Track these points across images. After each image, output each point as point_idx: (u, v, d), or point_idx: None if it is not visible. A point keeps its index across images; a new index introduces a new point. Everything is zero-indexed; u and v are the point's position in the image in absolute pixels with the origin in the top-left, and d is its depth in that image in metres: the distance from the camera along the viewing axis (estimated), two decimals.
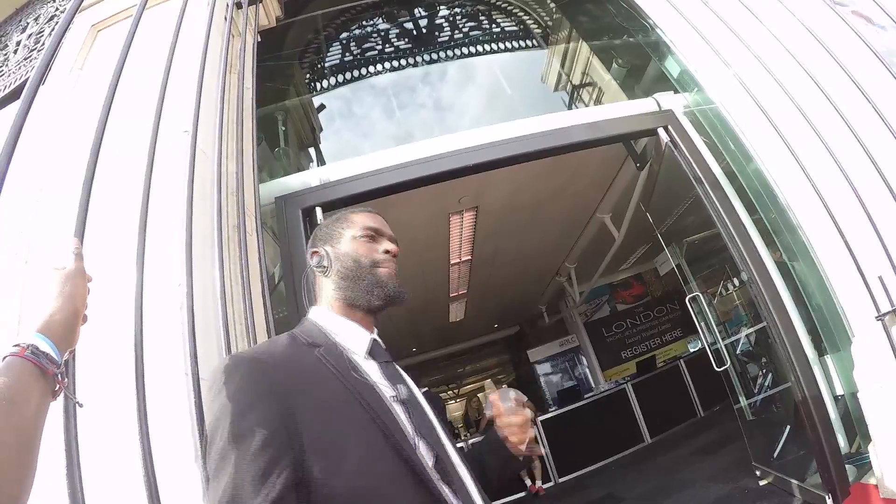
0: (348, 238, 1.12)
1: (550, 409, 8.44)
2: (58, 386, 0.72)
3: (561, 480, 7.32)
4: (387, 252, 1.12)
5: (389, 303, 1.08)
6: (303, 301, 1.18)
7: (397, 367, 1.11)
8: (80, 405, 0.84)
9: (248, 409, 0.81)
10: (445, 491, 0.87)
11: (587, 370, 11.77)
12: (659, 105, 3.48)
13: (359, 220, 1.16)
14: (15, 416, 0.62)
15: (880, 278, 2.32)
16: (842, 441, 2.74)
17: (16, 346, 0.69)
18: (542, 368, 11.98)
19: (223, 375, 0.86)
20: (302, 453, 0.80)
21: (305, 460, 0.80)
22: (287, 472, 0.77)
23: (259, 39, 3.21)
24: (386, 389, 0.97)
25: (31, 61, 2.87)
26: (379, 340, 1.10)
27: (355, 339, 1.04)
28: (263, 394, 0.83)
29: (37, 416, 0.67)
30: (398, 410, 0.94)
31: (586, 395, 8.64)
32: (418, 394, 1.07)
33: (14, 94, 2.76)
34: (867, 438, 2.50)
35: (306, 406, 0.84)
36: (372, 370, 1.00)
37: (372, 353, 1.05)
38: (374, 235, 1.13)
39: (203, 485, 1.38)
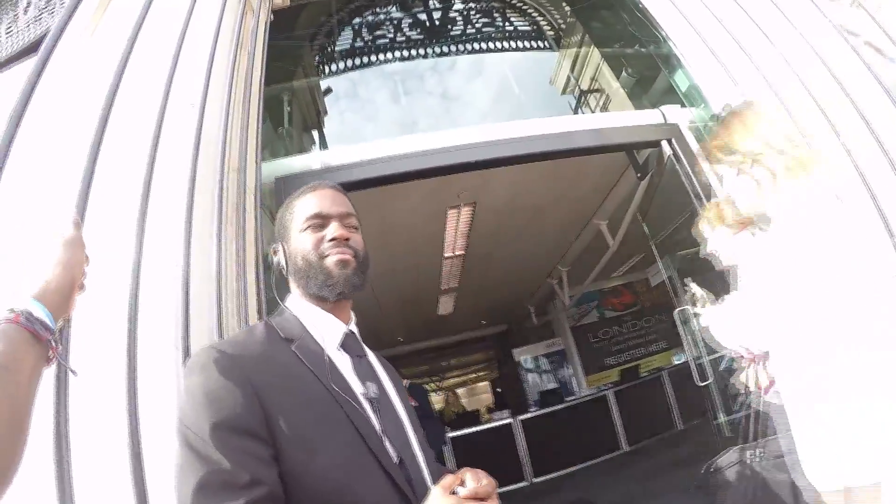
0: (295, 232, 1.07)
1: (531, 410, 8.48)
2: (51, 353, 0.72)
3: (536, 481, 7.37)
4: (333, 239, 1.05)
5: (343, 296, 1.04)
6: (274, 294, 1.15)
7: (374, 360, 1.10)
8: (74, 373, 0.84)
9: (225, 400, 0.81)
10: (409, 493, 0.87)
11: (570, 374, 11.81)
12: (665, 117, 3.49)
13: (300, 210, 1.08)
14: (8, 382, 0.63)
15: None
16: None
17: (10, 311, 0.69)
18: (526, 368, 12.02)
19: (200, 365, 0.85)
20: (277, 446, 0.80)
21: (280, 453, 0.80)
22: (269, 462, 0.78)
23: (272, 18, 3.18)
24: (355, 386, 0.96)
25: (40, 22, 2.83)
26: (355, 332, 1.08)
27: (329, 331, 1.02)
28: (241, 386, 0.83)
29: (30, 382, 0.67)
30: (366, 408, 0.93)
31: (567, 399, 8.67)
32: (392, 392, 1.06)
33: (23, 53, 2.73)
34: None
35: (280, 401, 0.84)
36: (343, 364, 0.99)
37: (345, 346, 1.03)
38: (317, 224, 1.06)
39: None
